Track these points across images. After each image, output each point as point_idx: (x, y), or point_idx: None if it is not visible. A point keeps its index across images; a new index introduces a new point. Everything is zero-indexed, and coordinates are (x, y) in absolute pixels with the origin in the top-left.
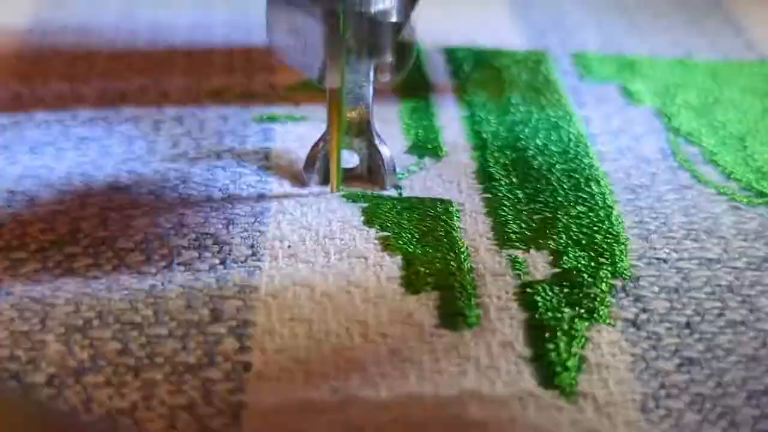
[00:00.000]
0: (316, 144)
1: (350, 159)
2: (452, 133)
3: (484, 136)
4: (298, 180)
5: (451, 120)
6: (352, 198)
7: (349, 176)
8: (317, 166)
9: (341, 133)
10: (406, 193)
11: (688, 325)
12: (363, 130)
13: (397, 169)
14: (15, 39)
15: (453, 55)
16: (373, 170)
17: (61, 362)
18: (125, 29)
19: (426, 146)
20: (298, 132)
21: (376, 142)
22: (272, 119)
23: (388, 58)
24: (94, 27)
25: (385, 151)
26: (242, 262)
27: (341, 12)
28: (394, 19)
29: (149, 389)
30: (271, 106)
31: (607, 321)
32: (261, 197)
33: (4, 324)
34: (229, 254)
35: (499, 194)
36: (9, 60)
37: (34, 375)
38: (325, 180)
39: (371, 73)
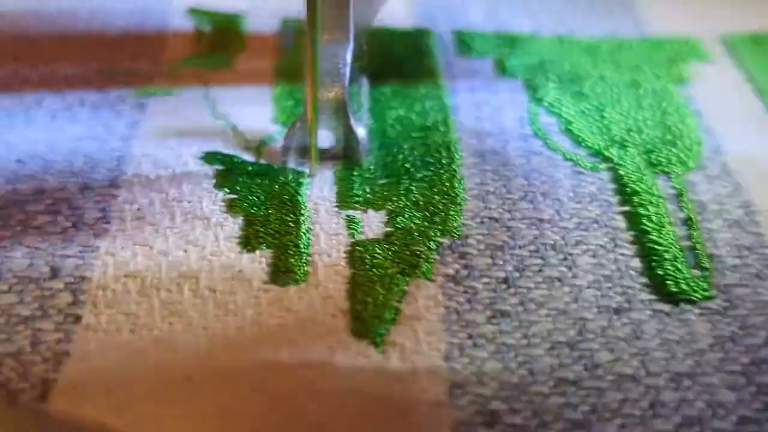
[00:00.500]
0: (293, 124)
1: (326, 138)
2: None
3: None
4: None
5: None
6: (209, 161)
7: (326, 156)
8: (294, 145)
9: (316, 113)
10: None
11: (505, 280)
12: (339, 110)
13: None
14: None
15: None
16: (348, 150)
17: None
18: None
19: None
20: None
21: (352, 122)
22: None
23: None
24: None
25: (360, 131)
26: (92, 225)
27: None
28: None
29: None
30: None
31: (429, 276)
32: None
33: None
34: (82, 218)
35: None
36: None
37: None
38: (302, 157)
39: (347, 56)
